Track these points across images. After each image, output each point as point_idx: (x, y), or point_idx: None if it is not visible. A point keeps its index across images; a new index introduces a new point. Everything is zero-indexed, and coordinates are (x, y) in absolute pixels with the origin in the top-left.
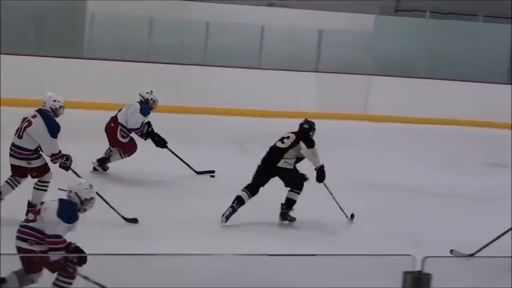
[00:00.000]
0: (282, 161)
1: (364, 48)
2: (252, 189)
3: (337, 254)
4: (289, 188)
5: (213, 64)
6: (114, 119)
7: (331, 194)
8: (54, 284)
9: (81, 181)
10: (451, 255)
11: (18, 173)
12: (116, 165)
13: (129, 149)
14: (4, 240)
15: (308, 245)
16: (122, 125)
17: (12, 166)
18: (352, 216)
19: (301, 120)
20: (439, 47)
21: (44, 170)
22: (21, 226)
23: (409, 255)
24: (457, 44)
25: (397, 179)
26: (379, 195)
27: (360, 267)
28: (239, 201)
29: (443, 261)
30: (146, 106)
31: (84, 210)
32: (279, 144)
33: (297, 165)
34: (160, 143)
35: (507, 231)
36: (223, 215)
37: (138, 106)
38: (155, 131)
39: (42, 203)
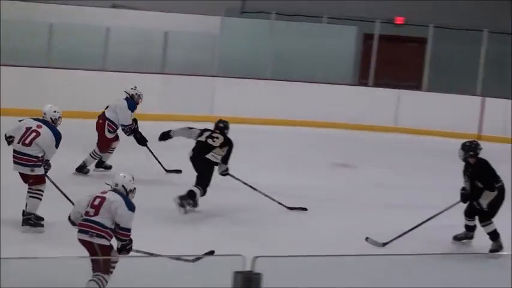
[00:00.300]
0: (210, 153)
1: (210, 49)
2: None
3: (166, 256)
4: (195, 183)
5: (57, 66)
6: (102, 116)
7: (255, 189)
8: (93, 280)
9: (124, 174)
10: (284, 255)
11: (23, 179)
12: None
13: (106, 145)
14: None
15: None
16: (109, 120)
17: (19, 174)
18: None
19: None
20: (285, 48)
21: (42, 179)
22: (83, 220)
23: (239, 255)
24: (302, 45)
25: (242, 179)
26: (222, 195)
27: (190, 267)
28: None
29: (276, 261)
30: (132, 101)
31: None
32: (210, 142)
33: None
34: (142, 141)
35: (420, 224)
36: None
37: (125, 103)
38: None
39: (106, 193)
